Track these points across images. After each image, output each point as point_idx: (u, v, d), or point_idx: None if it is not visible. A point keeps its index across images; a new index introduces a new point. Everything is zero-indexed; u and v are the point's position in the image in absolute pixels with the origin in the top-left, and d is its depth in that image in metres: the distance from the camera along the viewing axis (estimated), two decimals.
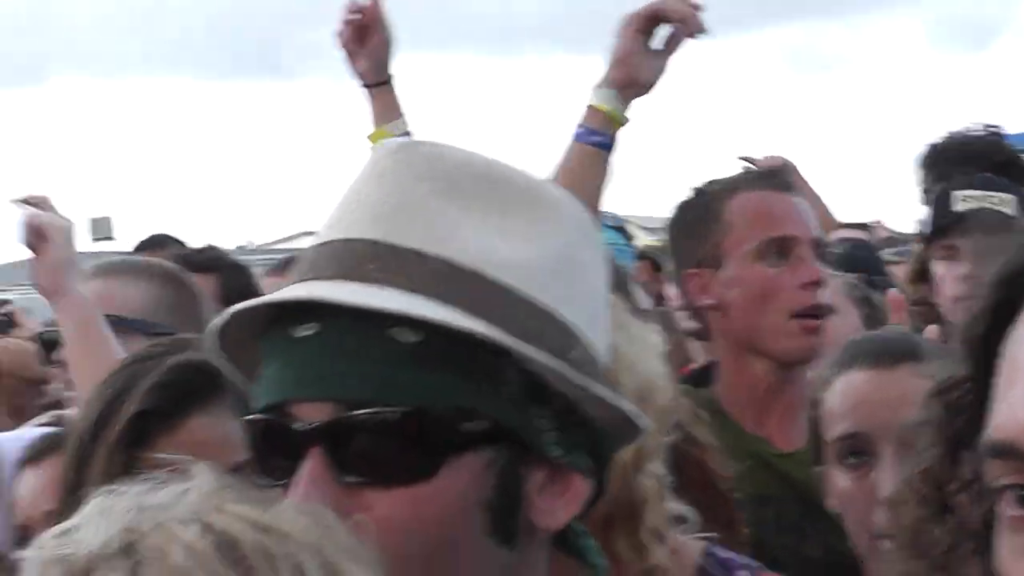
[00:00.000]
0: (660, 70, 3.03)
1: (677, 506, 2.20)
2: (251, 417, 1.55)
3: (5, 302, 10.22)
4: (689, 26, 2.99)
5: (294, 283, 1.56)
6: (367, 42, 3.66)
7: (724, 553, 2.20)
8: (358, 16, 3.65)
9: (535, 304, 1.53)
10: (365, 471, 1.48)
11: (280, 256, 7.41)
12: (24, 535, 2.95)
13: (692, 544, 2.18)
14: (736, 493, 2.71)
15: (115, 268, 3.60)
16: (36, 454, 3.04)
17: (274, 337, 1.54)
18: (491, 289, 1.52)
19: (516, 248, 1.54)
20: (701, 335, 3.57)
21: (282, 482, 1.48)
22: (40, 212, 3.26)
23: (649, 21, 2.98)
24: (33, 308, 9.21)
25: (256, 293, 4.76)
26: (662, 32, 3.04)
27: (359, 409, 1.48)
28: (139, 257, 3.90)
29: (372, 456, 1.48)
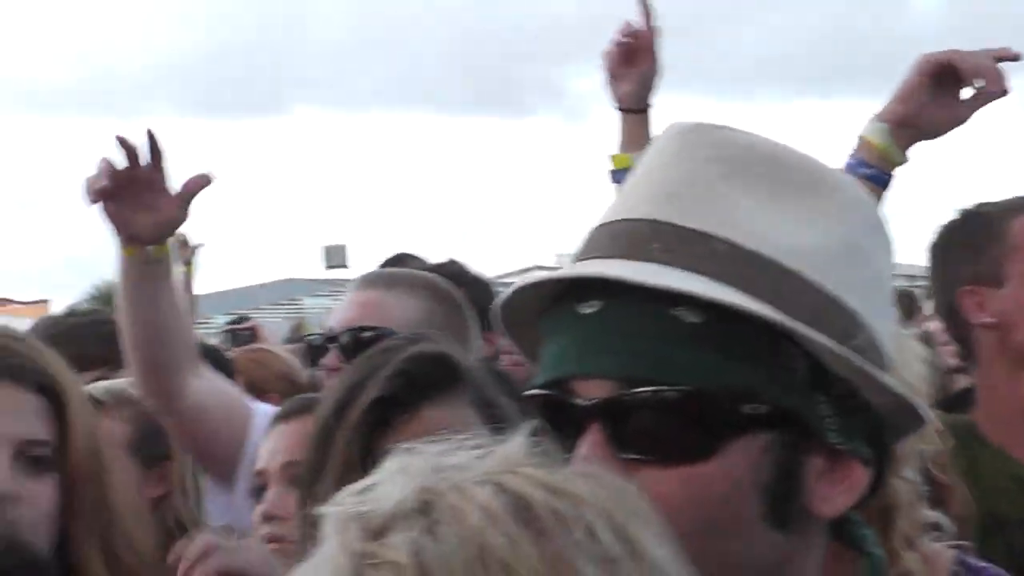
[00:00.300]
0: (951, 120, 2.89)
1: (931, 513, 2.19)
2: (532, 392, 1.57)
3: (245, 318, 10.53)
4: (990, 85, 2.83)
5: (578, 262, 1.58)
6: (635, 67, 3.69)
7: (977, 562, 2.16)
8: (631, 40, 3.68)
9: (819, 289, 1.52)
10: (643, 449, 1.49)
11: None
12: (260, 483, 3.06)
13: (944, 552, 2.15)
14: (988, 518, 2.68)
15: (387, 279, 3.64)
16: (287, 413, 3.16)
17: (557, 315, 1.55)
18: (775, 272, 1.51)
19: (801, 233, 1.54)
20: (961, 368, 3.53)
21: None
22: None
23: (941, 68, 2.85)
24: (266, 325, 9.54)
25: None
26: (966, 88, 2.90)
27: (639, 387, 1.48)
28: (412, 271, 3.94)
29: (651, 434, 1.48)
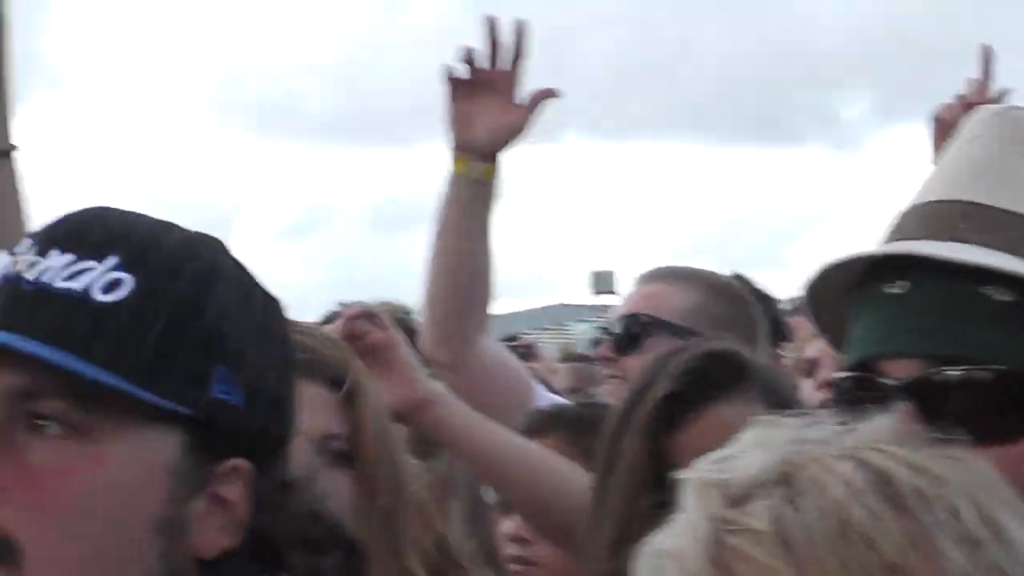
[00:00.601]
0: None
1: None
2: (839, 375, 1.57)
3: (516, 337, 10.70)
4: None
5: (884, 244, 1.58)
6: None
7: None
8: (978, 99, 3.61)
9: None
10: (954, 428, 1.43)
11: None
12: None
13: None
14: None
15: (669, 272, 3.62)
16: (528, 429, 3.08)
17: (863, 296, 1.55)
18: None
19: None
20: None
21: None
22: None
23: None
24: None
25: (785, 324, 4.73)
26: None
27: (949, 366, 1.47)
28: (698, 267, 3.88)
29: (962, 414, 1.46)
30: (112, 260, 1.44)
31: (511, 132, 3.21)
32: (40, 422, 1.40)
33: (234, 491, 1.48)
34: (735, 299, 3.49)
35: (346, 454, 2.42)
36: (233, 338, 1.47)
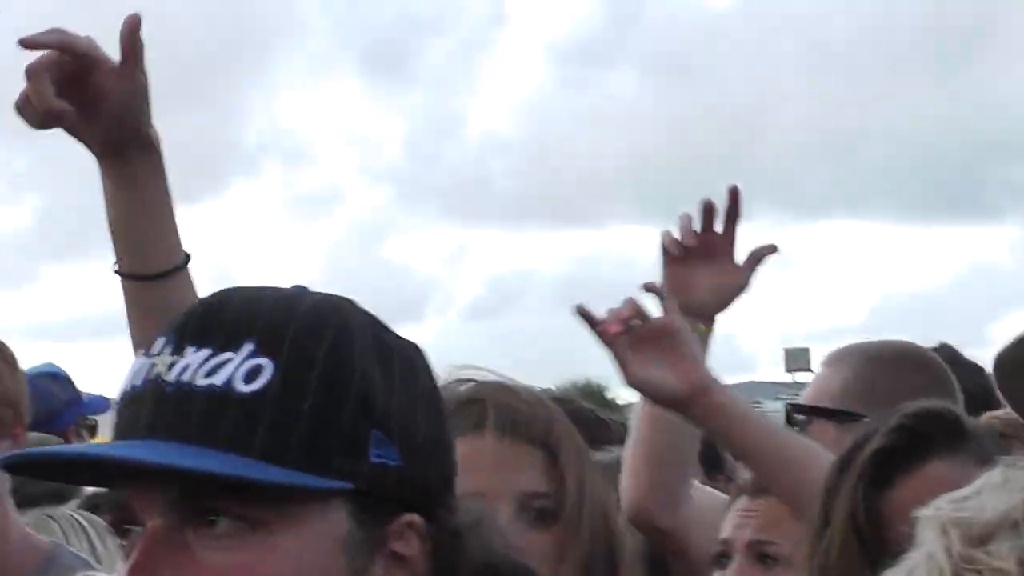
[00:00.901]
0: None
1: None
2: None
3: None
4: None
5: None
6: None
7: None
8: None
9: None
10: None
11: None
12: (722, 551, 2.95)
13: None
14: None
15: (831, 356, 3.48)
16: (757, 488, 3.03)
17: None
18: None
19: None
20: None
21: None
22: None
23: None
24: None
25: (989, 390, 4.64)
26: None
27: None
28: (868, 342, 3.68)
29: None
30: (248, 347, 1.43)
31: (731, 294, 3.13)
32: (212, 517, 1.40)
33: (410, 547, 1.46)
34: (900, 367, 3.34)
35: (551, 512, 2.43)
36: (379, 398, 1.45)
